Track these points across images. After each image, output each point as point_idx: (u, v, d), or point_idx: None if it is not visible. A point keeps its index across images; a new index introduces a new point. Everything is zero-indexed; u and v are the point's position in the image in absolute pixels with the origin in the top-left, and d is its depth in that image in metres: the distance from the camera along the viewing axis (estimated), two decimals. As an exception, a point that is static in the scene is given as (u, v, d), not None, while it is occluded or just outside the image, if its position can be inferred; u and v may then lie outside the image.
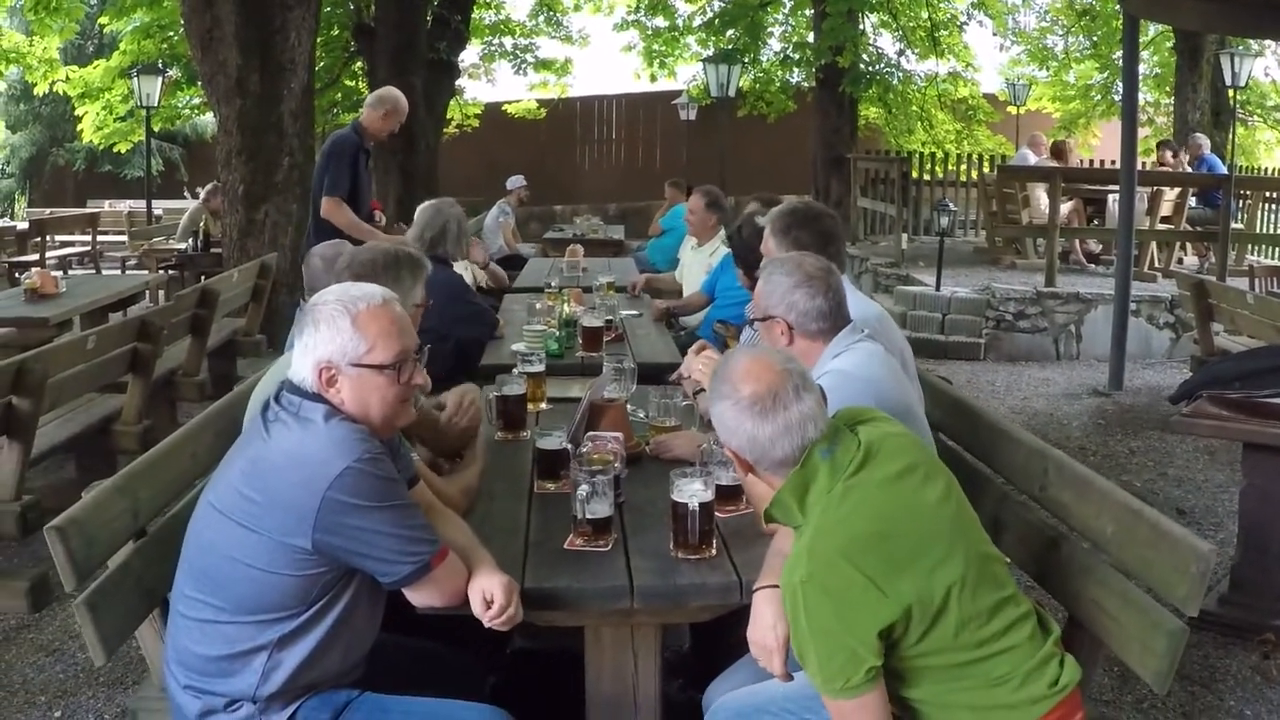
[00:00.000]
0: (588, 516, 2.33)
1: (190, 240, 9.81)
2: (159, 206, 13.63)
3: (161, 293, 9.19)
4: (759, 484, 2.11)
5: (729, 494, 2.54)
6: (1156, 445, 6.43)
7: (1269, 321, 6.21)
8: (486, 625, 2.07)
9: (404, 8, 13.06)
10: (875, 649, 1.84)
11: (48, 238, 12.01)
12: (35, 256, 11.08)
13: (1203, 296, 6.89)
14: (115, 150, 17.15)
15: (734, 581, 2.24)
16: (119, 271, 11.73)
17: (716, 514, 2.39)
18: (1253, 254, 11.20)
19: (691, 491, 2.28)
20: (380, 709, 2.09)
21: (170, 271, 9.88)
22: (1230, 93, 13.09)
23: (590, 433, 2.93)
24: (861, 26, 16.52)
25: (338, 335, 2.06)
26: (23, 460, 3.86)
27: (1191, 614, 2.12)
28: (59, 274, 6.98)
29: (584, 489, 2.32)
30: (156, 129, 14.24)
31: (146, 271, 10.41)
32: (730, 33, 18.16)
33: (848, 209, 15.13)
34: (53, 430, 4.59)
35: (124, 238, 13.14)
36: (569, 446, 2.76)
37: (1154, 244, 10.39)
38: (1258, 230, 11.39)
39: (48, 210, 15.81)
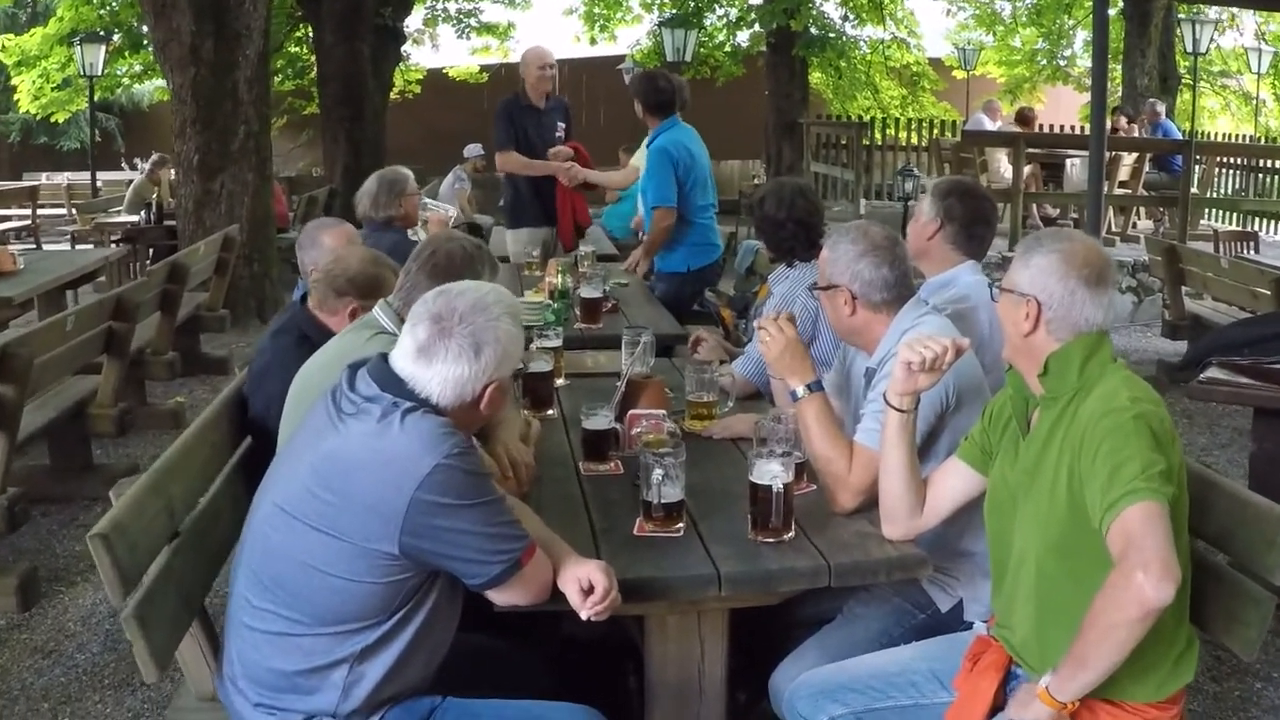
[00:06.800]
0: (662, 501, 2.22)
1: (143, 213, 9.44)
2: (98, 178, 13.11)
3: (117, 267, 8.81)
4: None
5: (796, 472, 2.45)
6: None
7: (1242, 285, 6.26)
8: (585, 615, 1.95)
9: (349, -29, 12.71)
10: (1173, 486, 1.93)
11: (-15, 212, 11.54)
12: (-26, 232, 10.64)
13: (1174, 261, 6.92)
14: (51, 121, 16.52)
15: (822, 565, 2.16)
16: (68, 246, 11.26)
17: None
18: (1206, 219, 11.37)
19: (773, 473, 2.18)
20: (469, 714, 1.96)
21: (121, 245, 9.51)
22: (1179, 58, 13.23)
23: (632, 411, 2.83)
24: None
25: (514, 345, 1.95)
26: (8, 451, 3.65)
27: (1277, 582, 2.10)
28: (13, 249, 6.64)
29: (657, 472, 2.20)
30: (95, 98, 13.68)
31: (92, 246, 10.00)
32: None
33: (800, 173, 15.11)
34: (28, 416, 4.34)
35: (63, 211, 12.65)
36: (618, 427, 2.65)
37: (1110, 209, 10.48)
38: (1210, 194, 11.56)
39: (-16, 184, 15.14)
